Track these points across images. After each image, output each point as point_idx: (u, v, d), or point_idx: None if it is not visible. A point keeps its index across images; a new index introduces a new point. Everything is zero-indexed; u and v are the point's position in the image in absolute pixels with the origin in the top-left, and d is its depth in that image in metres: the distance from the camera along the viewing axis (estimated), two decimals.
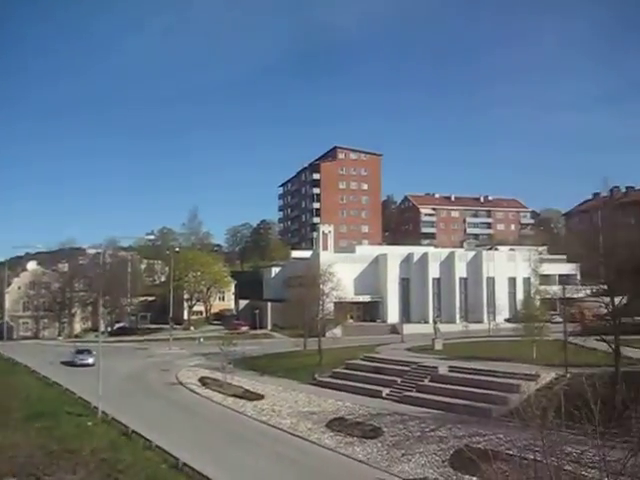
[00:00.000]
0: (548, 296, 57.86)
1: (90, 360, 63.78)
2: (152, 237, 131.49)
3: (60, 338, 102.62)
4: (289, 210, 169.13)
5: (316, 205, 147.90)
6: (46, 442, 37.01)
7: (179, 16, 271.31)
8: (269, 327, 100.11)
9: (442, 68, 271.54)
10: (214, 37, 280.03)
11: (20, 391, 47.77)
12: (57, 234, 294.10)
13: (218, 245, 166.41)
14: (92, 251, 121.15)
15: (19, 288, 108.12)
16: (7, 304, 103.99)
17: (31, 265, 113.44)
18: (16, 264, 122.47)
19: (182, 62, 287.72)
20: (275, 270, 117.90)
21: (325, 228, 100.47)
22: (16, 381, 53.66)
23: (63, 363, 67.29)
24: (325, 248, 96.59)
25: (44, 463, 33.37)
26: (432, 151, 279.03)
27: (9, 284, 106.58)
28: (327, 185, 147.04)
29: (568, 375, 39.91)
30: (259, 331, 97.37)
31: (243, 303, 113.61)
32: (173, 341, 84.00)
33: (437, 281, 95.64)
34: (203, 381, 55.26)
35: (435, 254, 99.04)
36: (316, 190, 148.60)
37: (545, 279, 74.24)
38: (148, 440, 34.72)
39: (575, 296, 55.82)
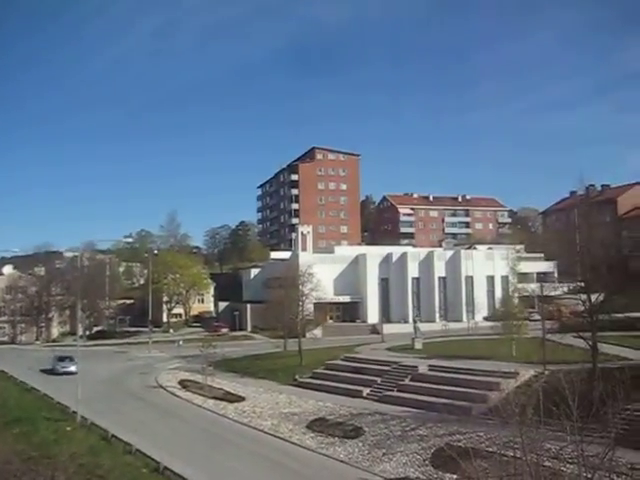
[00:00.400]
0: (526, 294, 58.36)
1: (72, 368, 58.58)
2: (130, 240, 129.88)
3: (38, 343, 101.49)
4: (268, 211, 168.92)
5: (295, 206, 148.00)
6: (24, 448, 36.60)
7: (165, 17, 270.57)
8: (249, 329, 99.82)
9: (423, 69, 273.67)
10: (192, 40, 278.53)
11: None
12: (33, 238, 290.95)
13: (197, 247, 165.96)
14: (69, 254, 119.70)
15: None
16: None
17: (7, 269, 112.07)
18: None
19: (159, 66, 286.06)
20: (254, 271, 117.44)
21: (304, 229, 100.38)
22: None
23: (43, 371, 63.85)
24: (304, 249, 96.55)
25: (22, 469, 33.00)
26: (410, 151, 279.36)
27: None
28: (306, 186, 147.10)
29: (546, 372, 40.24)
30: (239, 333, 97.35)
31: (223, 305, 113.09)
32: (152, 344, 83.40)
33: (416, 281, 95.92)
34: (183, 384, 55.06)
35: (414, 254, 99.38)
36: (295, 191, 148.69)
37: (523, 277, 74.68)
38: (128, 444, 34.53)
39: (553, 294, 56.51)
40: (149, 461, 31.62)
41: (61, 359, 63.33)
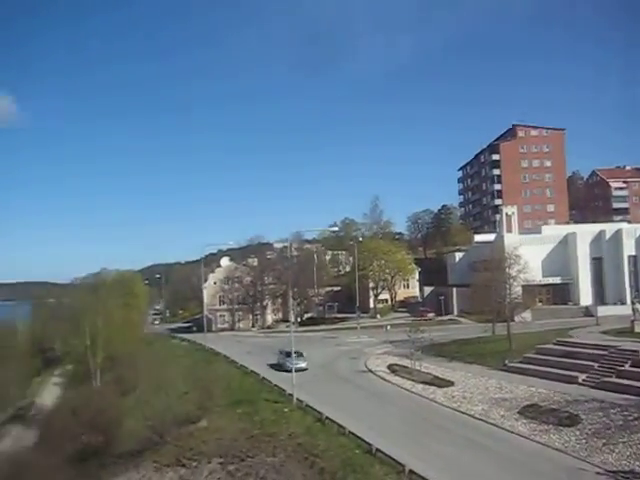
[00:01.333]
0: None
1: (303, 364, 56.39)
2: (335, 228, 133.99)
3: (254, 329, 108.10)
4: (470, 193, 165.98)
5: (497, 186, 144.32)
6: (247, 427, 39.51)
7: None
8: (455, 313, 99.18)
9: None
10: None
11: (222, 379, 50.99)
12: (246, 231, 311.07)
13: (400, 233, 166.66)
14: (279, 245, 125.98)
15: (215, 283, 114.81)
16: (205, 299, 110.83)
17: (224, 261, 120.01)
18: (211, 261, 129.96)
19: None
20: (459, 255, 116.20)
21: (508, 209, 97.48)
22: (218, 370, 57.23)
23: (270, 366, 60.77)
24: (509, 230, 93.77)
25: (246, 446, 35.61)
26: (620, 120, 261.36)
27: (206, 280, 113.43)
28: (507, 165, 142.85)
29: None
30: (445, 317, 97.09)
31: (428, 290, 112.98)
32: (360, 329, 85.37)
33: (633, 259, 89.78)
34: (392, 368, 55.75)
35: (629, 230, 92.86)
36: (496, 171, 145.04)
37: None
38: (341, 426, 35.70)
39: None
40: (361, 443, 32.53)
41: (289, 354, 55.43)
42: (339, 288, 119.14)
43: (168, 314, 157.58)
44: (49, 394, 73.37)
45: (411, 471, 27.39)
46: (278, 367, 58.96)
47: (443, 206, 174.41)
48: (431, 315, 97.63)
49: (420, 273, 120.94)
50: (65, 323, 75.63)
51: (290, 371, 50.16)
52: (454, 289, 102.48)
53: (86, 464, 41.34)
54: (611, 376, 43.17)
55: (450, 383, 47.80)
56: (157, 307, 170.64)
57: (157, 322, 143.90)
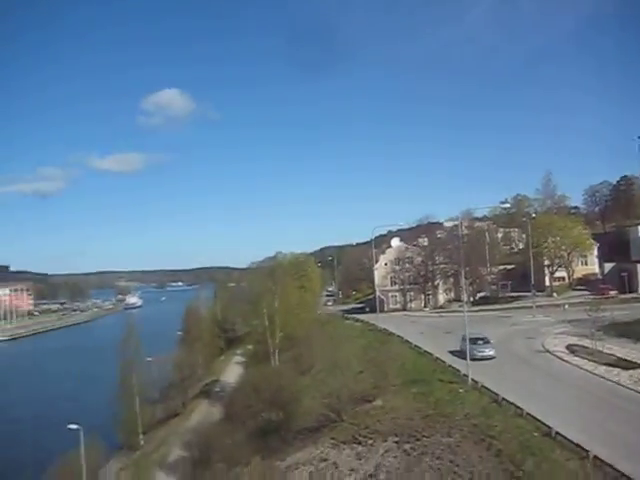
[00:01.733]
0: None
1: (490, 351, 52.77)
2: (507, 205, 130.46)
3: (426, 309, 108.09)
4: None
5: None
6: (422, 406, 39.76)
7: None
8: None
9: None
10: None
11: (396, 359, 51.46)
12: (416, 211, 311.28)
13: (575, 207, 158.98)
14: (449, 224, 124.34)
15: (385, 264, 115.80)
16: (377, 279, 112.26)
17: (394, 242, 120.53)
18: (381, 242, 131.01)
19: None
20: None
21: None
22: (392, 350, 57.81)
23: (452, 352, 55.58)
24: None
25: (421, 425, 35.87)
26: None
27: (377, 261, 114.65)
28: None
29: None
30: (628, 295, 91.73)
31: (608, 266, 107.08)
32: (536, 308, 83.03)
33: None
34: (571, 349, 53.62)
35: None
36: None
37: None
38: (519, 408, 34.93)
39: None
40: (540, 425, 31.69)
41: (472, 341, 50.12)
42: (512, 266, 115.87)
43: (340, 295, 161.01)
44: (231, 372, 77.96)
45: (596, 457, 26.26)
46: (460, 354, 51.82)
47: (623, 177, 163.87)
48: (613, 293, 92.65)
49: (599, 249, 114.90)
50: (245, 305, 79.41)
51: (476, 359, 48.57)
52: (638, 265, 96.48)
53: (267, 439, 43.57)
54: None
55: (636, 365, 45.14)
56: (330, 289, 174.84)
57: (330, 303, 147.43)
